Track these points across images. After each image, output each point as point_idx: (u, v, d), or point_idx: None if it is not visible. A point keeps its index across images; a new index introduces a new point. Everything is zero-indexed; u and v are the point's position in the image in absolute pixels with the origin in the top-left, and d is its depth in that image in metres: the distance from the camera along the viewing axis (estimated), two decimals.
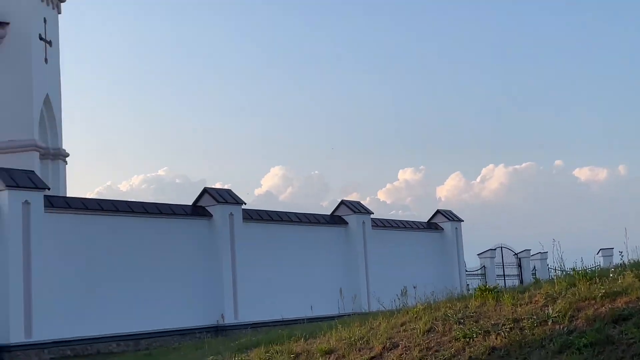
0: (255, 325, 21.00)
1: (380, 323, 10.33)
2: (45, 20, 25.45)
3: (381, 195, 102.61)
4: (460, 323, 9.26)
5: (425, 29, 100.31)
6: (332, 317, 22.02)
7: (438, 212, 32.60)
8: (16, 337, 17.59)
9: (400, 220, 30.88)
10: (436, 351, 8.70)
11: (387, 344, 9.26)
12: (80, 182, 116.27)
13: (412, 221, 31.71)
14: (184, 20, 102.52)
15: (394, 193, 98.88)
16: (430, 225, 32.05)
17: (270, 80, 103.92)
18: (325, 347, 9.71)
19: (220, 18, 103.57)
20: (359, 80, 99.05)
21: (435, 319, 9.66)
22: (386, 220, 29.70)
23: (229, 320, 21.58)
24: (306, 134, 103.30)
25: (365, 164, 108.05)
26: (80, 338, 18.88)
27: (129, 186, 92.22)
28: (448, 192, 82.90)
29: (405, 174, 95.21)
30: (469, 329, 8.93)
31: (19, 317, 17.70)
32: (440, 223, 32.25)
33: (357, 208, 26.89)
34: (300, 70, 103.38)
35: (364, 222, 26.77)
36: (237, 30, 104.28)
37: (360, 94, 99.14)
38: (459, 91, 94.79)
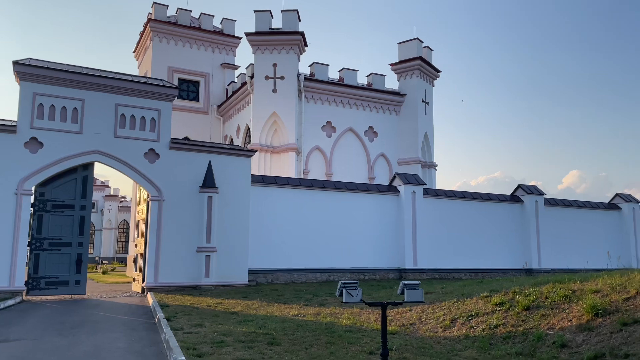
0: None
1: (635, 275, 8.93)
2: (425, 91, 26.43)
3: None
4: None
5: None
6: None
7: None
8: (409, 264, 18.75)
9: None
10: None
11: None
12: (445, 181, 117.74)
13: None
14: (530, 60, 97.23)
15: None
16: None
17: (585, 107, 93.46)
18: (593, 288, 8.72)
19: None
20: None
21: None
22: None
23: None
24: (599, 142, 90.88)
25: None
26: (443, 268, 19.19)
27: (476, 182, 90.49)
28: None
29: None
30: None
31: (410, 254, 18.76)
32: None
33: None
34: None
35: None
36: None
37: None
38: None
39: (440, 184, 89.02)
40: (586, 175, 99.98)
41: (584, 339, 6.96)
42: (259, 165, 21.82)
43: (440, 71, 27.33)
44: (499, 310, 8.89)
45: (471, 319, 8.83)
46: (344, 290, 6.55)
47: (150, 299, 12.96)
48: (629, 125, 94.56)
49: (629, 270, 9.76)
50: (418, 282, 6.98)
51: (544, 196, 21.26)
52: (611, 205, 23.11)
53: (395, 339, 8.09)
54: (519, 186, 21.53)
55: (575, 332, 7.27)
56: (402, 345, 7.65)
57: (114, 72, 15.78)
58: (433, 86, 27.37)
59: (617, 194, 23.40)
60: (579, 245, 21.38)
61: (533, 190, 21.26)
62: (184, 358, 6.48)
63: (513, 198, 21.19)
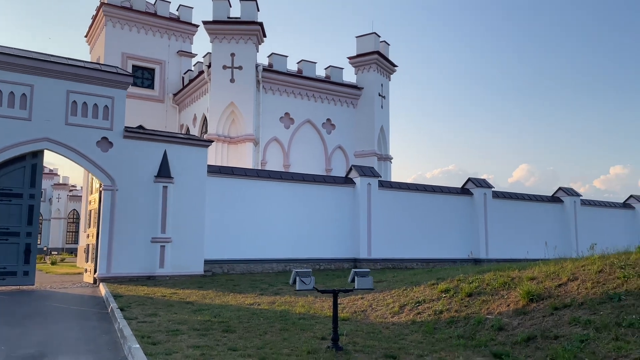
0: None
1: (568, 264, 9.62)
2: (382, 85, 26.95)
3: (596, 184, 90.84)
4: (622, 268, 8.21)
5: None
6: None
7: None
8: (363, 254, 19.23)
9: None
10: (603, 284, 7.95)
11: (570, 277, 8.62)
12: (401, 173, 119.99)
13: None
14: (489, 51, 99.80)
15: (606, 182, 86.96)
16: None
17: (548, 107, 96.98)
18: (530, 276, 9.34)
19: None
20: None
21: (605, 264, 8.71)
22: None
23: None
24: (547, 139, 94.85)
25: (585, 163, 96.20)
26: (396, 258, 19.75)
27: (431, 175, 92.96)
28: None
29: (615, 169, 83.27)
30: (627, 272, 7.90)
31: (365, 245, 19.21)
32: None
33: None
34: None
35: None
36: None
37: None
38: None
39: (396, 177, 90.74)
40: (535, 169, 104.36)
41: (519, 322, 7.52)
42: (216, 155, 21.73)
43: (396, 66, 27.90)
44: (444, 296, 9.40)
45: (418, 306, 9.29)
46: (297, 278, 6.84)
47: (102, 289, 12.84)
48: (576, 122, 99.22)
49: (563, 259, 10.47)
50: (368, 270, 7.36)
51: (492, 189, 22.18)
52: (554, 199, 24.27)
53: (346, 325, 8.44)
54: (469, 179, 22.36)
55: (511, 316, 7.83)
56: (353, 330, 8.00)
57: (65, 58, 15.36)
58: (390, 80, 27.93)
59: (560, 188, 24.59)
60: (524, 236, 22.34)
61: (482, 184, 22.14)
62: (138, 346, 6.58)
63: (463, 191, 22.00)
